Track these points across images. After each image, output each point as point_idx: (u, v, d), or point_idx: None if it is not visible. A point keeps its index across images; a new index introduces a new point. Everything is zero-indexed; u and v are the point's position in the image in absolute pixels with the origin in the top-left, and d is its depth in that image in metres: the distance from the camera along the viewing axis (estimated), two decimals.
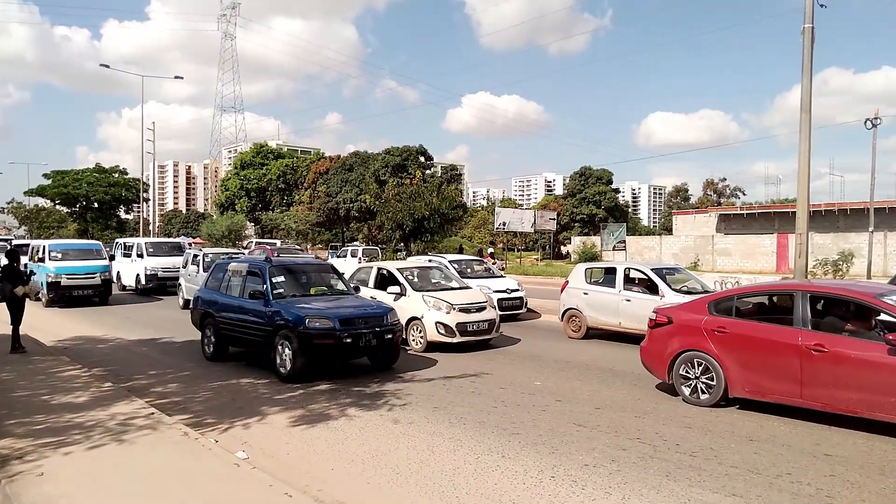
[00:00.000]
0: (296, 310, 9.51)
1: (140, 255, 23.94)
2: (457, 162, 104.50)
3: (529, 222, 48.78)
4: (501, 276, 18.45)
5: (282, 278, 10.60)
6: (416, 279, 13.24)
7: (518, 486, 5.54)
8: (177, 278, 21.01)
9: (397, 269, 13.39)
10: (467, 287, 13.73)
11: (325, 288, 11.20)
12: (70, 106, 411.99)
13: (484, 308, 12.57)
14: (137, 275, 23.85)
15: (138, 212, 65.53)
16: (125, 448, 5.81)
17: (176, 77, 53.01)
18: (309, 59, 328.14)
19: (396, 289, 12.65)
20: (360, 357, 10.17)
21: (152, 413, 6.97)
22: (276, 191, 75.58)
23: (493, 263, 25.15)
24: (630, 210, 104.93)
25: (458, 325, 11.98)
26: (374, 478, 5.80)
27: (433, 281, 13.61)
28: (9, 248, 13.60)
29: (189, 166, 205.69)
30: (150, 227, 61.10)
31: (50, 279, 19.55)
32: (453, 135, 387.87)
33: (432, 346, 12.03)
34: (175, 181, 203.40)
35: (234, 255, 19.20)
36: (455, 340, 12.01)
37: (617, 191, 78.69)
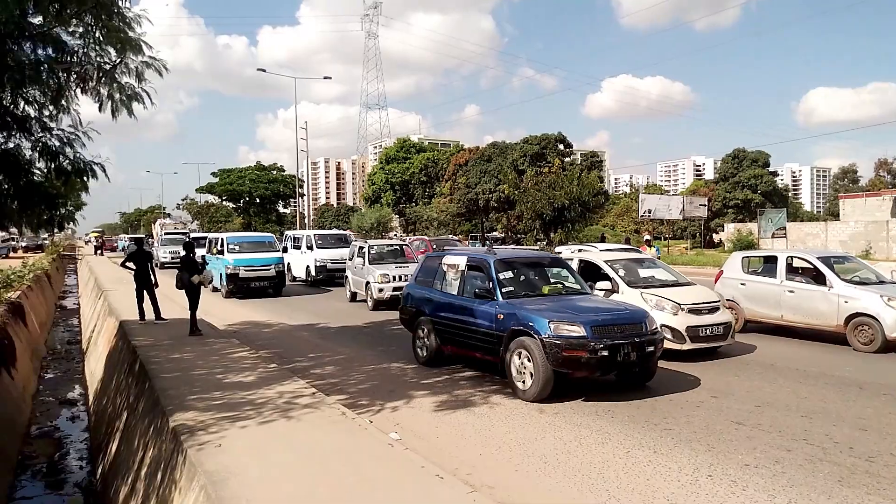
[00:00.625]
0: (534, 313, 7.99)
1: (310, 247, 23.98)
2: (597, 148, 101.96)
3: (677, 209, 46.58)
4: (689, 283, 11.85)
5: (510, 274, 9.33)
6: (623, 272, 11.27)
7: (672, 484, 5.35)
8: (344, 270, 20.63)
9: (604, 261, 11.54)
10: (690, 283, 11.75)
11: (559, 285, 9.61)
12: (232, 109, 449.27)
13: (717, 308, 10.57)
14: (307, 266, 23.98)
15: (295, 206, 70.14)
16: (291, 424, 6.27)
17: (325, 77, 56.17)
18: (447, 52, 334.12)
19: (606, 284, 10.80)
20: (612, 372, 8.35)
21: (314, 393, 7.46)
22: (418, 184, 77.71)
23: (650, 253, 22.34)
24: (790, 194, 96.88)
25: (688, 328, 10.00)
26: (521, 465, 5.84)
27: (644, 275, 11.59)
28: (186, 240, 15.06)
29: (339, 162, 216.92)
30: (306, 221, 65.23)
31: (229, 271, 20.17)
32: (593, 120, 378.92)
33: None
34: (326, 177, 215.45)
35: (399, 247, 20.10)
36: (685, 347, 10.02)
37: (775, 174, 73.03)
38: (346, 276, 19.75)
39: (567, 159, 57.43)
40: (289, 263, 24.78)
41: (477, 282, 9.18)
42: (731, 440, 6.43)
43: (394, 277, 16.78)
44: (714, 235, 64.11)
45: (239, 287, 20.23)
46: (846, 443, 6.27)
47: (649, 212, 45.01)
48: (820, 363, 10.04)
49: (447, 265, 9.99)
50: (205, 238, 28.23)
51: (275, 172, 72.67)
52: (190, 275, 11.90)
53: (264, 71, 47.28)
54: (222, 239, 21.90)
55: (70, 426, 11.42)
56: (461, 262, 9.76)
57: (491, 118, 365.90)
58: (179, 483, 5.36)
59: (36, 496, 8.53)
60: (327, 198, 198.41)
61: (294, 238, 26.45)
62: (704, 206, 50.37)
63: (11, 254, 25.67)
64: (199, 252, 22.94)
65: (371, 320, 15.32)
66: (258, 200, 71.55)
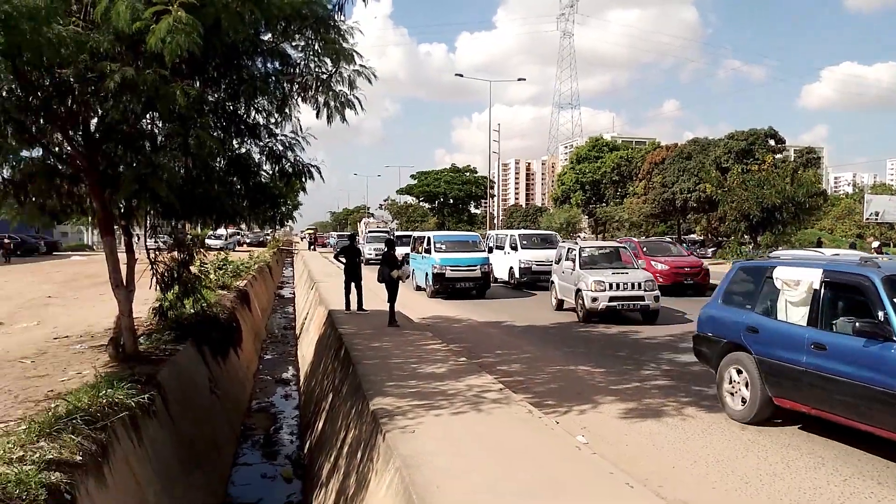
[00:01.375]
0: None
1: (513, 248, 22.94)
2: (814, 144, 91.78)
3: None
4: None
5: None
6: None
7: None
8: (549, 272, 18.57)
9: None
10: None
11: None
12: (430, 114, 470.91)
13: None
14: (510, 268, 22.97)
15: (486, 206, 71.81)
16: (480, 417, 6.42)
17: (519, 79, 56.55)
18: (645, 47, 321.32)
19: None
20: None
21: (502, 389, 7.58)
22: (609, 183, 75.58)
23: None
24: None
25: None
26: (719, 483, 5.45)
27: None
28: (388, 237, 16.04)
29: (529, 163, 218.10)
30: (495, 221, 66.50)
31: (435, 270, 19.66)
32: (809, 114, 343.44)
33: None
34: (516, 177, 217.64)
35: (616, 250, 17.16)
36: None
37: None
38: (553, 282, 17.37)
39: (778, 156, 52.51)
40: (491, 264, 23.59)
41: (848, 308, 6.34)
42: None
43: (611, 285, 14.47)
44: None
45: (444, 287, 19.74)
46: None
47: (876, 214, 39.74)
48: None
49: (782, 280, 6.94)
50: (409, 236, 29.06)
51: (468, 174, 75.05)
52: (390, 269, 12.65)
53: (461, 76, 49.24)
54: (429, 237, 21.56)
55: (283, 403, 12.73)
56: (811, 277, 6.63)
57: (691, 113, 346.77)
58: (376, 464, 5.73)
59: (255, 463, 9.63)
60: (516, 198, 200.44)
61: (497, 238, 25.74)
62: None
63: (237, 248, 29.30)
64: (401, 250, 24.24)
65: (557, 321, 15.20)
66: (451, 201, 74.34)
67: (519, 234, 23.63)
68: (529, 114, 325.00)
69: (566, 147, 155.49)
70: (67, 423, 5.07)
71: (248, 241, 59.05)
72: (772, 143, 55.56)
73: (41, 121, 6.97)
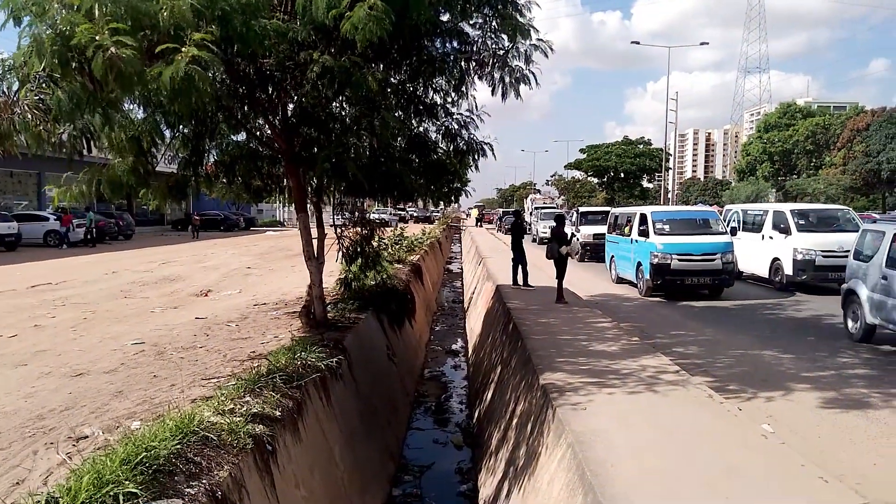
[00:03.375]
0: None
1: (783, 230, 15.77)
2: None
3: None
4: None
5: None
6: None
7: None
8: (842, 269, 11.63)
9: None
10: None
11: None
12: (601, 85, 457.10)
13: None
14: (776, 260, 15.87)
15: (660, 180, 68.59)
16: (655, 399, 6.22)
17: (701, 44, 52.99)
18: (850, 0, 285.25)
19: None
20: None
21: (678, 371, 7.28)
22: (802, 153, 68.93)
23: None
24: None
25: None
26: None
27: None
28: (557, 213, 15.91)
29: (709, 133, 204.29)
30: (670, 196, 63.29)
31: (656, 260, 14.50)
32: None
33: None
34: (694, 149, 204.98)
35: None
36: None
37: None
38: (857, 294, 10.00)
39: None
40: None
41: None
42: None
43: None
44: None
45: (668, 283, 14.63)
46: None
47: None
48: None
49: None
50: (599, 213, 25.68)
51: (641, 146, 71.86)
52: (559, 246, 12.58)
53: (638, 43, 46.93)
54: (643, 214, 15.81)
55: (453, 373, 13.22)
56: None
57: None
58: (547, 438, 5.78)
59: (427, 429, 10.12)
60: (694, 171, 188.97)
61: (745, 216, 18.10)
62: None
63: (402, 224, 30.61)
64: (590, 229, 23.73)
65: (737, 302, 14.24)
66: (622, 175, 71.77)
67: (791, 211, 16.18)
68: (711, 80, 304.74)
69: (752, 115, 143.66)
70: (268, 381, 5.65)
71: (413, 216, 59.86)
72: None
73: (246, 108, 7.72)
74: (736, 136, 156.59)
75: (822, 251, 14.85)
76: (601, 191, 76.79)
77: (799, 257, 15.07)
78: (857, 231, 13.62)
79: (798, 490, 4.31)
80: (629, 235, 16.13)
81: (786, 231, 15.62)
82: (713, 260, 14.51)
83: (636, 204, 59.72)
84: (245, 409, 5.03)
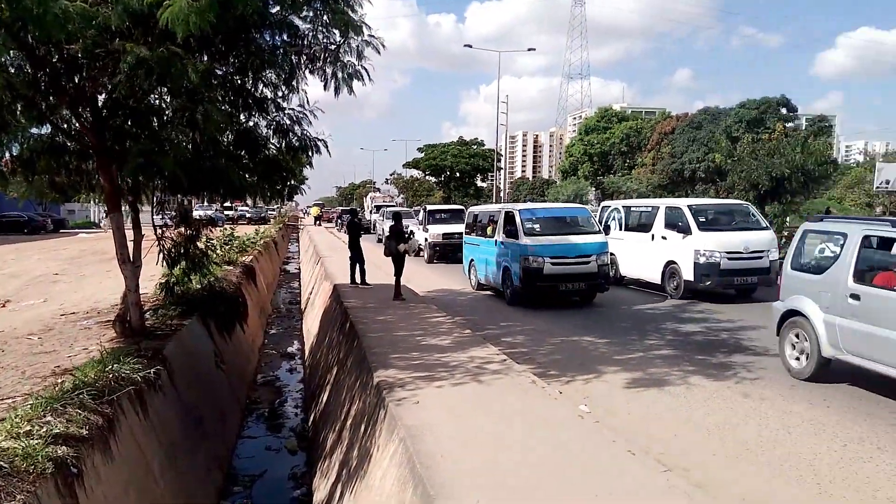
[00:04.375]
0: None
1: (681, 230, 13.65)
2: (827, 112, 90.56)
3: None
4: None
5: None
6: None
7: None
8: (752, 273, 12.89)
9: None
10: None
11: None
12: (438, 86, 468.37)
13: None
14: (671, 265, 13.87)
15: (492, 180, 71.53)
16: (482, 388, 6.48)
17: (529, 49, 56.23)
18: (660, 15, 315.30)
19: None
20: None
21: (504, 360, 7.63)
22: (618, 154, 75.08)
23: None
24: None
25: None
26: (720, 450, 5.51)
27: None
28: (395, 211, 15.96)
29: (536, 135, 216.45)
30: (502, 195, 66.23)
31: (527, 264, 12.54)
32: (823, 81, 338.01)
33: None
34: (524, 150, 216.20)
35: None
36: None
37: None
38: (807, 318, 7.54)
39: (790, 125, 51.99)
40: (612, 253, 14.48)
41: None
42: None
43: None
44: None
45: (539, 290, 12.70)
46: None
47: (887, 183, 39.19)
48: None
49: None
50: (452, 211, 24.75)
51: (475, 147, 74.50)
52: (397, 243, 12.68)
53: (470, 47, 48.16)
54: (511, 213, 13.63)
55: (288, 377, 12.88)
56: None
57: (704, 83, 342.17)
58: (380, 435, 5.81)
59: (259, 436, 9.78)
60: (523, 171, 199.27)
61: (631, 212, 15.86)
62: None
63: (231, 225, 28.24)
64: (409, 223, 23.79)
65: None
66: (458, 175, 73.98)
67: (689, 207, 13.97)
68: (538, 85, 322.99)
69: (574, 119, 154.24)
70: (74, 397, 5.14)
71: (248, 216, 56.56)
72: (783, 111, 55.01)
73: (50, 98, 6.97)
74: (560, 139, 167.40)
75: (727, 252, 12.95)
76: (438, 189, 78.60)
77: (701, 260, 12.99)
78: (761, 228, 13.71)
79: (609, 463, 4.68)
80: (493, 237, 14.19)
81: (685, 230, 13.48)
82: (588, 262, 12.78)
83: (471, 203, 61.91)
84: (45, 430, 4.55)
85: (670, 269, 13.90)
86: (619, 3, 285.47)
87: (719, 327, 10.77)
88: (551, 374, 7.80)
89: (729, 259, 12.97)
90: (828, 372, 7.35)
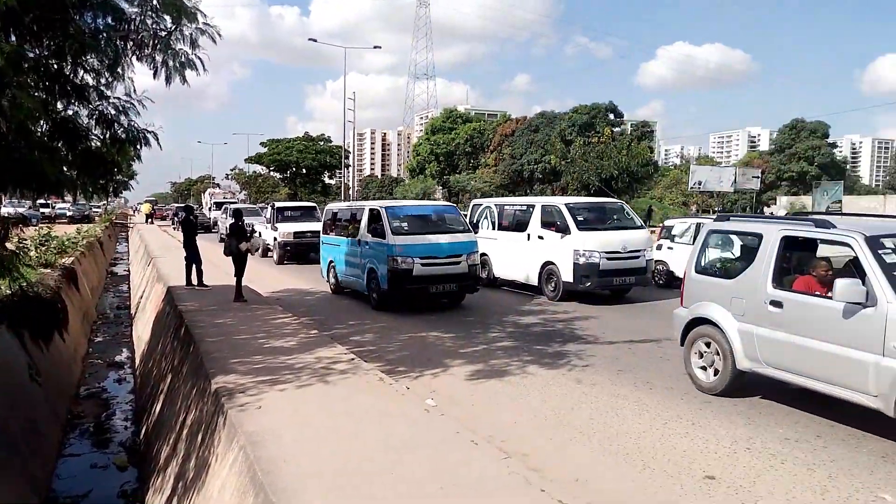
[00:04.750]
0: None
1: (560, 229, 13.18)
2: (649, 118, 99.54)
3: (729, 181, 45.30)
4: None
5: None
6: None
7: (709, 456, 5.26)
8: (628, 272, 12.92)
9: None
10: None
11: None
12: (282, 80, 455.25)
13: None
14: (548, 265, 13.44)
15: (340, 177, 70.73)
16: (329, 388, 6.37)
17: (375, 47, 55.71)
18: (501, 20, 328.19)
19: None
20: None
21: (352, 359, 7.56)
22: (463, 154, 77.36)
23: None
24: (848, 167, 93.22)
25: None
26: (556, 434, 5.82)
27: None
28: (235, 208, 15.18)
29: (384, 133, 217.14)
30: (350, 192, 65.76)
31: (396, 265, 11.67)
32: (646, 90, 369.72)
33: None
34: (372, 148, 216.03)
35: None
36: None
37: (834, 145, 70.50)
38: (719, 327, 6.86)
39: (617, 129, 56.37)
40: (483, 254, 14.45)
41: None
42: (772, 414, 6.29)
43: None
44: (765, 209, 62.27)
45: (409, 292, 11.94)
46: (891, 419, 6.06)
47: (699, 184, 43.90)
48: None
49: None
50: (301, 208, 23.89)
51: (322, 143, 73.13)
52: (238, 242, 12.13)
53: (315, 41, 47.91)
54: (375, 211, 12.74)
55: (117, 388, 11.87)
56: None
57: (541, 87, 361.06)
58: (219, 444, 5.51)
59: (83, 453, 8.90)
60: (372, 169, 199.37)
61: (504, 210, 15.45)
62: (757, 178, 48.87)
63: (54, 223, 25.06)
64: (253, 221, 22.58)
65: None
66: (304, 171, 72.33)
67: (567, 205, 13.57)
68: (386, 83, 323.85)
69: (421, 118, 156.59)
70: None
71: (69, 214, 50.91)
72: (611, 116, 59.57)
73: None
74: (408, 137, 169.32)
75: (606, 252, 12.68)
76: (284, 186, 76.40)
77: (581, 261, 12.64)
78: (636, 227, 13.62)
79: (454, 454, 4.78)
80: (356, 236, 13.18)
81: (563, 230, 13.03)
82: (459, 262, 12.13)
83: (319, 200, 60.84)
84: None
85: (548, 271, 13.46)
86: (462, 6, 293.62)
87: (555, 319, 11.43)
88: (399, 370, 7.85)
89: (608, 259, 12.68)
90: (742, 385, 6.80)
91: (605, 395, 6.95)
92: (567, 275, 12.86)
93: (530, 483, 4.28)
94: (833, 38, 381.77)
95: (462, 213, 14.63)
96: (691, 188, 46.07)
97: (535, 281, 13.80)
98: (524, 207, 14.73)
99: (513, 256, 14.44)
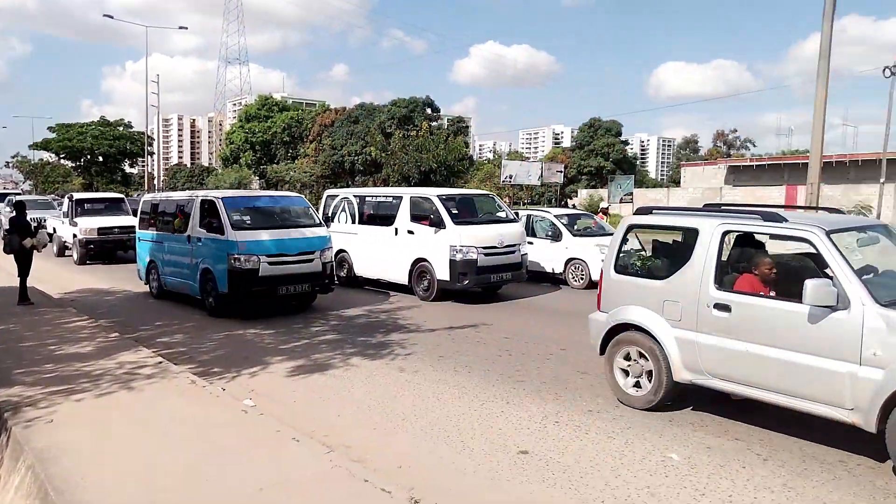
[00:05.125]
0: None
1: (434, 223, 12.19)
2: (464, 114, 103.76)
3: (536, 175, 48.36)
4: None
5: None
6: None
7: (522, 432, 5.59)
8: (503, 268, 12.29)
9: None
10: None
11: None
12: (74, 58, 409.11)
13: None
14: (420, 263, 12.48)
15: (143, 166, 65.39)
16: (133, 396, 5.87)
17: (180, 27, 52.77)
18: (316, 8, 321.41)
19: None
20: None
21: (160, 362, 7.04)
22: (280, 144, 75.08)
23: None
24: (638, 162, 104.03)
25: None
26: (380, 423, 5.86)
27: None
28: (15, 200, 13.44)
29: (193, 120, 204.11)
30: (155, 182, 61.05)
31: (239, 264, 10.23)
32: (461, 86, 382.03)
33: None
34: (179, 135, 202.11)
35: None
36: None
37: (626, 143, 77.99)
38: (652, 335, 6.01)
39: (434, 123, 57.86)
40: (342, 250, 13.79)
41: None
42: (577, 388, 6.83)
43: None
44: (569, 201, 67.63)
45: (253, 294, 10.48)
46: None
47: (510, 177, 46.38)
48: None
49: None
50: (104, 200, 20.91)
51: (121, 129, 66.92)
52: (21, 238, 10.77)
53: (111, 17, 43.16)
54: (209, 202, 11.13)
55: None
56: None
57: (359, 79, 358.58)
58: (2, 465, 4.88)
59: None
60: (180, 157, 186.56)
61: (365, 202, 14.11)
62: (561, 172, 52.66)
63: None
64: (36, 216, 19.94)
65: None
66: (101, 159, 65.81)
67: (439, 197, 12.49)
68: (194, 66, 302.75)
69: (235, 105, 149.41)
70: None
71: None
72: (429, 111, 61.06)
73: None
74: (220, 125, 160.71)
75: (484, 248, 11.85)
76: (77, 175, 69.02)
77: (458, 257, 11.65)
78: (510, 221, 12.84)
79: (274, 454, 4.64)
80: (184, 231, 11.50)
81: (437, 224, 12.02)
82: (312, 260, 10.88)
83: (119, 191, 55.69)
84: None
85: (420, 268, 12.38)
86: None
87: (379, 310, 11.49)
88: (214, 371, 7.44)
89: (486, 255, 11.84)
90: (676, 397, 6.10)
91: (427, 381, 7.12)
92: (442, 273, 11.89)
93: (353, 475, 4.27)
94: (625, 44, 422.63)
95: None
96: (503, 181, 48.62)
97: (404, 280, 12.70)
98: (390, 199, 13.55)
99: (378, 253, 13.27)
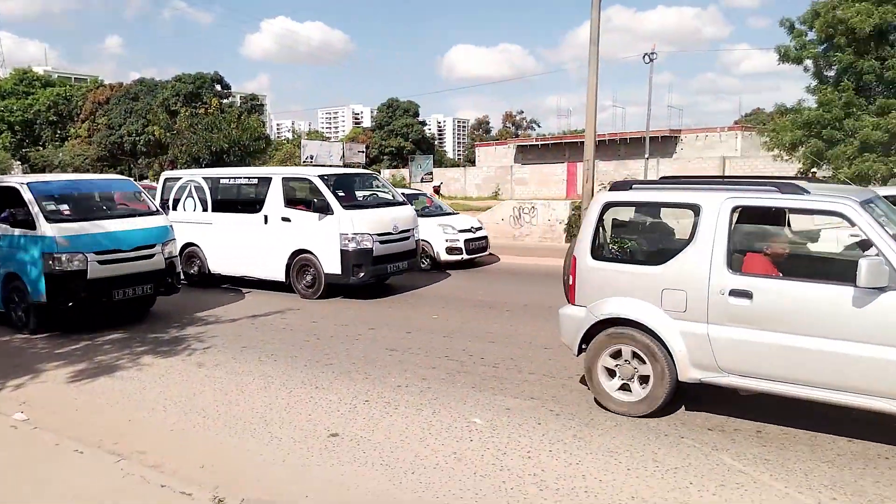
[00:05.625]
0: None
1: (319, 208, 10.46)
2: (258, 91, 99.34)
3: (338, 155, 47.95)
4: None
5: None
6: None
7: (332, 414, 5.56)
8: (400, 257, 11.10)
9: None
10: None
11: None
12: None
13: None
14: (298, 254, 10.85)
15: None
16: None
17: None
18: None
19: None
20: None
21: None
22: (46, 123, 66.63)
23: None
24: (437, 142, 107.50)
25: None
26: (178, 424, 5.49)
27: None
28: None
29: None
30: None
31: (58, 268, 8.25)
32: (253, 62, 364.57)
33: None
34: None
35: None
36: None
37: (424, 123, 80.00)
38: (653, 332, 5.17)
39: (225, 101, 54.83)
40: (191, 244, 12.05)
41: None
42: (386, 366, 6.94)
43: None
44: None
45: (80, 304, 8.50)
46: (479, 354, 7.25)
47: (311, 158, 45.48)
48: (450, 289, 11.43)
49: None
50: None
51: None
52: None
53: None
54: (12, 189, 8.88)
55: None
56: None
57: (137, 52, 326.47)
58: None
59: None
60: None
61: (219, 185, 12.09)
62: (363, 152, 52.76)
63: None
64: None
65: None
66: None
67: (322, 177, 10.82)
68: None
69: None
70: None
71: None
72: (218, 87, 57.78)
73: None
74: None
75: (379, 235, 10.52)
76: None
77: (351, 247, 10.21)
78: (400, 203, 11.50)
79: (53, 470, 4.16)
80: None
81: (322, 209, 10.38)
82: (152, 256, 9.08)
83: None
84: None
85: (300, 262, 10.76)
86: None
87: (168, 301, 10.61)
88: None
89: (381, 243, 10.54)
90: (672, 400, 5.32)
91: (229, 374, 6.79)
92: (332, 266, 10.37)
93: (148, 481, 3.97)
94: (417, 25, 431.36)
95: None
96: (304, 162, 47.63)
97: (280, 276, 10.99)
98: (254, 181, 11.62)
99: (241, 246, 11.39)
